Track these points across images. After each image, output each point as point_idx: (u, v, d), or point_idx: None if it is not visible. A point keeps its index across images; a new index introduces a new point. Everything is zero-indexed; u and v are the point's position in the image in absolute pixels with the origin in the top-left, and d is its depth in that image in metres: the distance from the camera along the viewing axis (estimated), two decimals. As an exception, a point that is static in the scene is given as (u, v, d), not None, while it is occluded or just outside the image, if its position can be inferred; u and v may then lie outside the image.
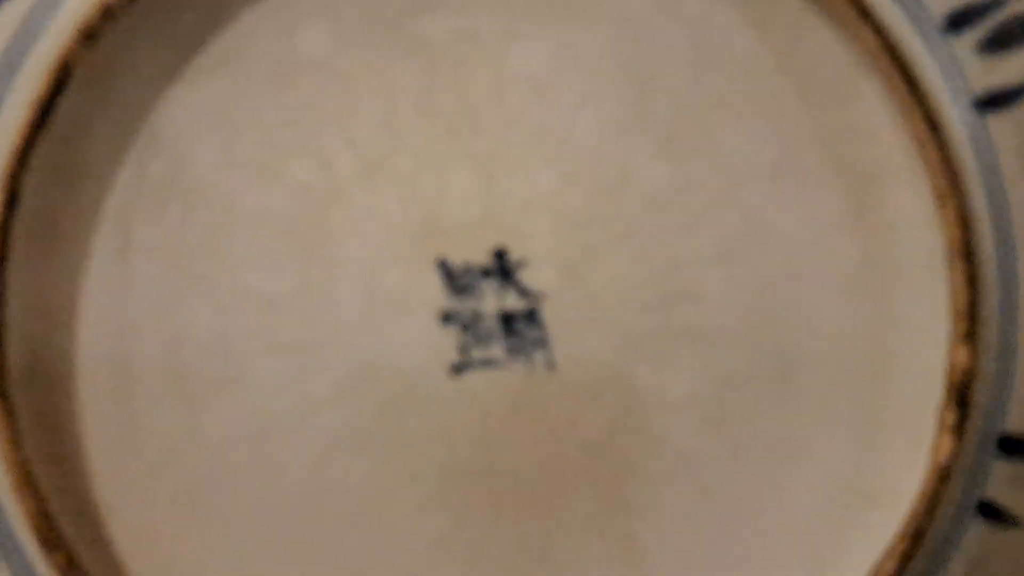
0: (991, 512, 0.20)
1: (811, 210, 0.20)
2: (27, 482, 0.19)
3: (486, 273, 0.21)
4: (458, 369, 0.21)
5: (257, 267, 0.20)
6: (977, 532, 0.21)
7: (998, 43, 0.20)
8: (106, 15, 0.18)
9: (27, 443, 0.19)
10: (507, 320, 0.21)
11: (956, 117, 0.20)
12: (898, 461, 0.20)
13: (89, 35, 0.18)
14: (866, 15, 0.19)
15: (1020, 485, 0.20)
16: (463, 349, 0.21)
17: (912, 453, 0.20)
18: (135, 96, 0.20)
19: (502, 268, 0.21)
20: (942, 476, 0.19)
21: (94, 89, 0.19)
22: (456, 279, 0.21)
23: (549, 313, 0.21)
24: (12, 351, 0.19)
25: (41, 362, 0.20)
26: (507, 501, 0.21)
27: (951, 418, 0.19)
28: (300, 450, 0.21)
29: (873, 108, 0.20)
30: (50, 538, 0.19)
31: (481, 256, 0.21)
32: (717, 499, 0.21)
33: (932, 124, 0.19)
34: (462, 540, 0.21)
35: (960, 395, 0.19)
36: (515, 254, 0.21)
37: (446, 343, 0.21)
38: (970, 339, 0.19)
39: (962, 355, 0.19)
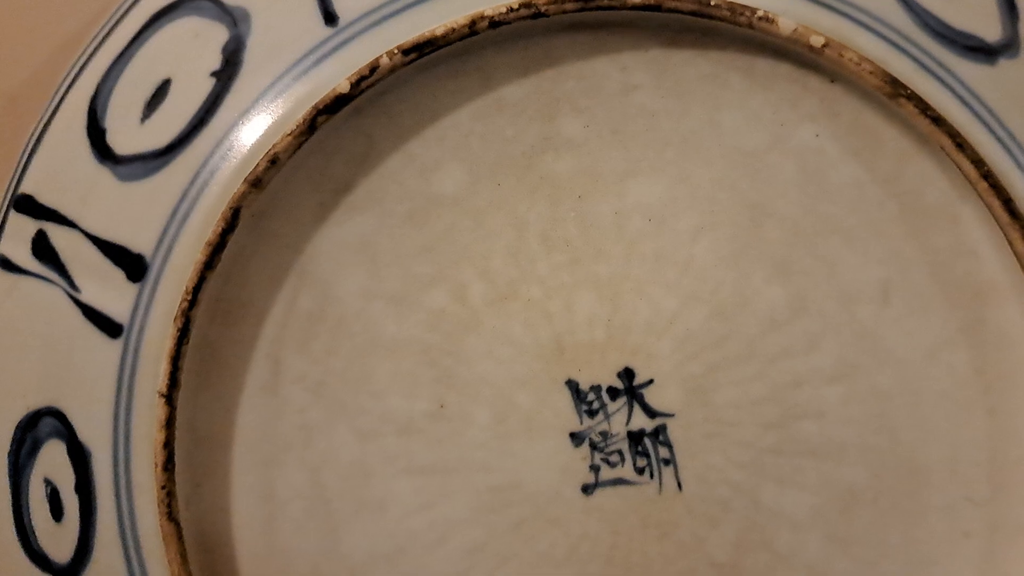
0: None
1: (923, 327, 0.26)
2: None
3: (614, 393, 0.26)
4: (588, 489, 0.26)
5: (396, 393, 0.26)
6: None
7: (1089, 167, 0.26)
8: (272, 162, 0.25)
9: (191, 561, 0.24)
10: (636, 439, 0.26)
11: (1054, 238, 0.25)
12: (1022, 571, 0.25)
13: (256, 181, 0.25)
14: (963, 146, 0.25)
15: None
16: (593, 469, 0.26)
17: (1039, 564, 0.25)
18: (289, 234, 0.26)
19: (629, 388, 0.26)
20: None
21: (255, 230, 0.25)
22: (585, 399, 0.26)
23: (676, 432, 0.26)
24: (179, 478, 0.25)
25: (200, 488, 0.26)
26: (638, 619, 0.26)
27: (1073, 526, 0.24)
28: (436, 570, 0.26)
29: (975, 229, 0.25)
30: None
31: (608, 377, 0.26)
32: (847, 615, 0.26)
33: (1033, 244, 0.24)
34: (595, 659, 0.26)
35: (1080, 503, 0.24)
36: (641, 374, 0.26)
37: (576, 463, 0.26)
38: (1085, 448, 0.24)
39: (1078, 464, 0.24)
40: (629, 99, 0.26)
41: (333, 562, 0.26)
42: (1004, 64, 0.26)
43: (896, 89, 0.25)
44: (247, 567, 0.26)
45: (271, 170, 0.25)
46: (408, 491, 0.26)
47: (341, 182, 0.26)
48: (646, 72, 0.26)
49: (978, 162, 0.25)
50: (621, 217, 0.26)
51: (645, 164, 0.26)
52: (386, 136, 0.26)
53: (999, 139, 0.25)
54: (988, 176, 0.25)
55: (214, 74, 0.26)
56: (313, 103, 0.25)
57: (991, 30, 0.26)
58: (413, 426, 0.26)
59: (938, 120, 0.25)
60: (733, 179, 0.26)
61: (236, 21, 0.26)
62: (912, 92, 0.25)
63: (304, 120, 0.25)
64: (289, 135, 0.25)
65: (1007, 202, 0.25)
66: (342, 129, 0.26)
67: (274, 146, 0.25)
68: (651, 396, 0.26)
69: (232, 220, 0.25)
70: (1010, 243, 0.25)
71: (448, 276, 0.26)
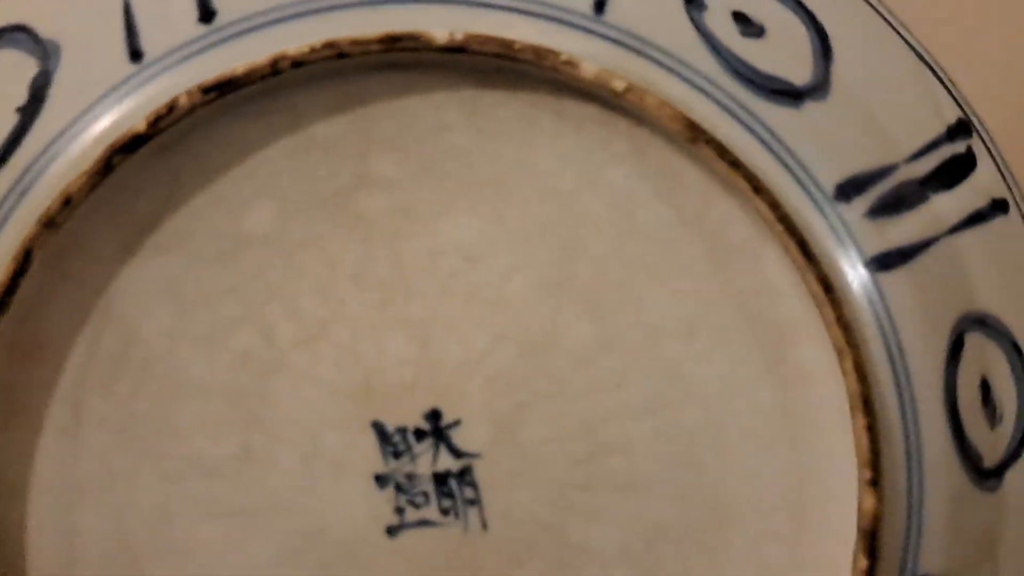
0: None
1: (727, 363, 0.26)
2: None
3: (420, 435, 0.26)
4: (393, 531, 0.26)
5: (201, 435, 0.26)
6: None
7: (886, 208, 0.27)
8: (66, 203, 0.25)
9: (-23, 612, 0.24)
10: (441, 480, 0.26)
11: (850, 277, 0.26)
12: (823, 607, 0.26)
13: (49, 222, 0.25)
14: (760, 189, 0.26)
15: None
16: (398, 510, 0.26)
17: (835, 598, 0.26)
18: (90, 275, 0.25)
19: (436, 429, 0.26)
20: (859, 618, 0.25)
21: (53, 270, 0.25)
22: (391, 441, 0.26)
23: (482, 471, 0.26)
24: (-34, 522, 0.24)
25: (-8, 533, 0.25)
26: (446, 660, 0.26)
27: (863, 563, 0.25)
28: (242, 615, 0.26)
29: (776, 269, 0.26)
30: None
31: (416, 418, 0.26)
32: (654, 652, 0.26)
33: (826, 285, 0.25)
34: None
35: (869, 540, 0.25)
36: (449, 415, 0.26)
37: (382, 505, 0.26)
38: (874, 486, 0.25)
39: (868, 501, 0.25)
40: (443, 138, 0.26)
41: (136, 609, 0.26)
42: (809, 107, 0.27)
43: (695, 133, 0.25)
44: (44, 616, 0.25)
45: (65, 210, 0.25)
46: (214, 535, 0.26)
47: (146, 221, 0.26)
48: (459, 112, 0.26)
49: (774, 205, 0.25)
50: (435, 256, 0.27)
51: (460, 203, 0.27)
52: (193, 175, 0.26)
53: (799, 181, 0.26)
54: (784, 219, 0.25)
55: (18, 110, 0.26)
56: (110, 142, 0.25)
57: (801, 73, 0.27)
58: (219, 469, 0.26)
59: (736, 164, 0.26)
60: (546, 219, 0.27)
61: (48, 54, 0.26)
62: (711, 136, 0.26)
63: (99, 159, 0.24)
64: (84, 174, 0.24)
65: (802, 244, 0.25)
66: (144, 168, 0.25)
67: (68, 186, 0.24)
68: (458, 436, 0.26)
69: (24, 261, 0.24)
70: (806, 284, 0.26)
71: (256, 316, 0.26)
